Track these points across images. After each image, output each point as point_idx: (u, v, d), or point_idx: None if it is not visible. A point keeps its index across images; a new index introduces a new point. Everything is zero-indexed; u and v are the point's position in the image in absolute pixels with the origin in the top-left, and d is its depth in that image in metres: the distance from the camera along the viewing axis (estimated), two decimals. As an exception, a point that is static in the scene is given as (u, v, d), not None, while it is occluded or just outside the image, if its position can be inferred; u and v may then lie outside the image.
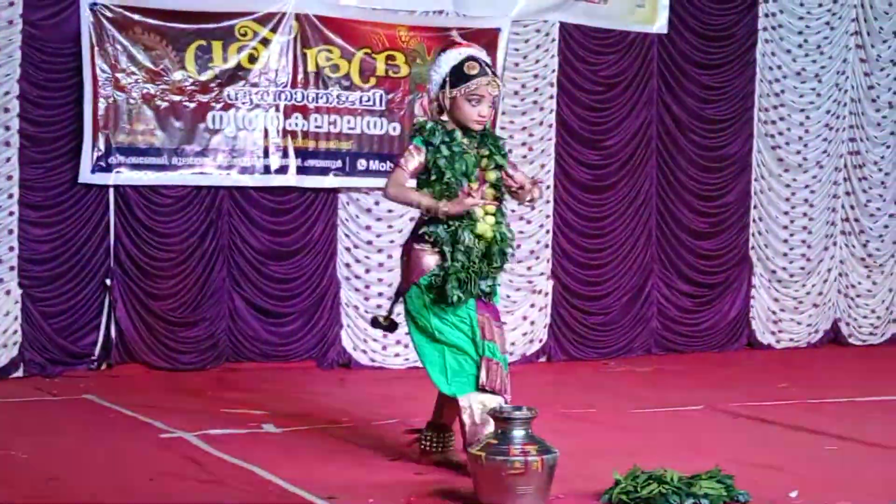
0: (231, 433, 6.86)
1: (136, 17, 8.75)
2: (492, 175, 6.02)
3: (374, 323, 6.45)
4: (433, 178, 5.94)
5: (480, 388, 5.86)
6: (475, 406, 5.84)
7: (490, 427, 5.54)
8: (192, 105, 8.95)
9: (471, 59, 5.97)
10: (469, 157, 5.95)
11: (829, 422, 7.49)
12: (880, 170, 11.35)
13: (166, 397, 8.06)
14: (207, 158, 9.03)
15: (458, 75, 5.91)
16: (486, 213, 5.98)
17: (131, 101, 8.81)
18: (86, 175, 8.74)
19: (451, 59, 5.98)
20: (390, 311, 6.32)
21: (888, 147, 11.36)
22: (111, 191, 8.90)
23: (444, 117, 5.98)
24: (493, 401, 5.77)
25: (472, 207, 5.87)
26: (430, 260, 5.94)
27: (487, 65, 6.01)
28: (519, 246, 9.89)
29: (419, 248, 5.99)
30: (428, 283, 5.92)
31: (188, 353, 9.12)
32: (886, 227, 11.43)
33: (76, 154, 8.75)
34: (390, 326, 6.36)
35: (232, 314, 9.26)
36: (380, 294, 9.57)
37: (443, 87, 5.95)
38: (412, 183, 6.02)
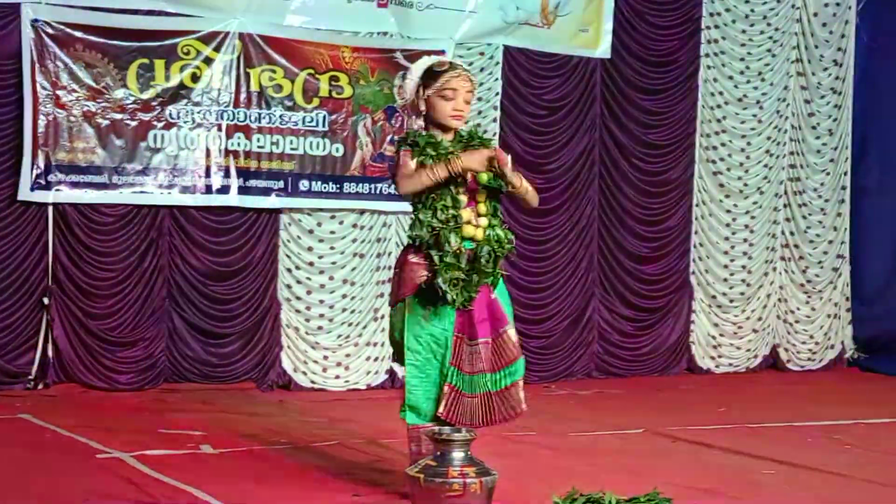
0: (168, 454, 6.79)
1: (78, 34, 8.69)
2: (483, 176, 5.75)
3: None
4: None
5: (437, 418, 5.71)
6: (423, 435, 5.67)
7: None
8: (134, 123, 8.89)
9: (441, 60, 5.94)
10: (455, 157, 5.71)
11: (767, 446, 7.53)
12: (820, 196, 11.45)
13: (103, 418, 7.98)
14: (148, 177, 8.97)
15: (429, 75, 5.81)
16: (479, 215, 5.79)
17: (72, 118, 8.74)
18: (25, 192, 8.66)
19: (421, 64, 5.90)
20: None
21: (828, 174, 11.47)
22: (50, 209, 8.81)
23: (421, 122, 5.87)
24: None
25: (489, 156, 5.63)
26: (423, 275, 5.72)
27: (459, 64, 5.92)
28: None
29: (414, 262, 5.77)
30: (418, 296, 5.73)
31: (126, 374, 9.04)
32: (825, 253, 11.53)
33: (15, 171, 8.67)
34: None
35: (171, 334, 9.19)
36: (321, 315, 9.54)
37: (418, 89, 5.83)
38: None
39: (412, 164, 5.71)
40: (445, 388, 5.71)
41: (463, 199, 5.75)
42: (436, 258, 5.67)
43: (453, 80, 5.78)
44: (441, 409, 5.69)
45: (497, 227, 5.81)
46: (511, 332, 5.88)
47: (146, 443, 7.00)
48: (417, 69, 5.88)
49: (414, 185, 5.70)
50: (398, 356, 5.92)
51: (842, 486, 6.51)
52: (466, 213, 5.74)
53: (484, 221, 5.78)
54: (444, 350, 5.74)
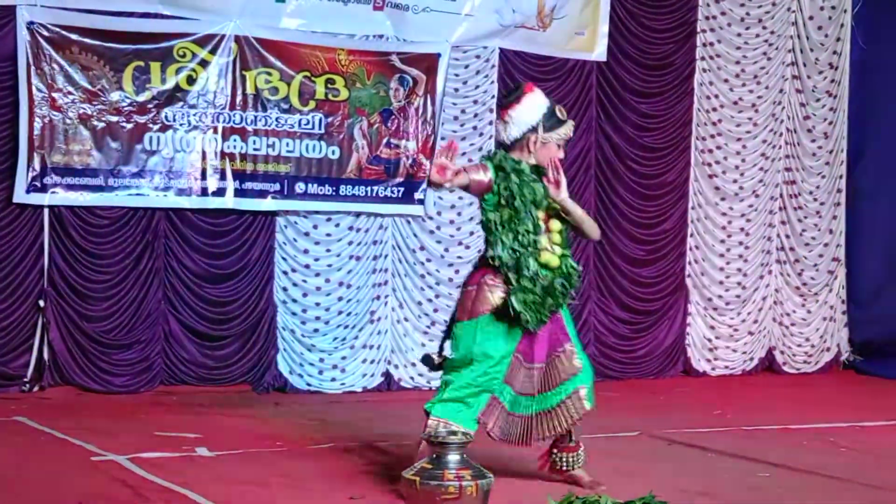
0: (164, 456, 6.78)
1: (74, 36, 8.69)
2: (556, 205, 6.12)
3: (428, 361, 6.43)
4: (502, 203, 6.02)
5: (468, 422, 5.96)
6: (440, 430, 5.83)
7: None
8: (130, 126, 8.89)
9: (557, 103, 6.22)
10: (538, 185, 6.05)
11: (763, 449, 7.53)
12: (815, 199, 11.46)
13: (99, 420, 7.97)
14: (144, 180, 8.97)
15: (553, 120, 6.11)
16: (553, 244, 6.08)
17: (67, 121, 8.73)
18: (20, 195, 8.66)
19: (542, 103, 6.15)
20: (441, 349, 6.37)
21: (823, 177, 11.48)
22: (46, 211, 8.81)
23: (517, 155, 6.10)
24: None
25: (440, 163, 5.80)
26: (499, 296, 6.01)
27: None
28: (458, 271, 9.91)
29: (492, 283, 6.04)
30: (493, 315, 6.00)
31: (122, 376, 9.03)
32: (821, 256, 11.54)
33: (11, 174, 8.66)
34: (440, 366, 6.36)
35: (167, 337, 9.18)
36: (317, 318, 9.54)
37: (534, 130, 6.07)
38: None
39: (470, 170, 6.01)
40: (491, 400, 6.03)
41: (542, 224, 6.05)
42: (513, 280, 5.94)
43: (568, 133, 6.15)
44: (488, 424, 6.04)
45: (569, 256, 6.11)
46: (569, 347, 6.17)
47: (142, 445, 6.99)
48: (538, 107, 6.11)
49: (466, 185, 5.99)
50: (448, 366, 6.21)
51: (838, 490, 6.51)
52: (543, 240, 6.03)
53: (558, 250, 6.07)
54: (502, 367, 6.03)
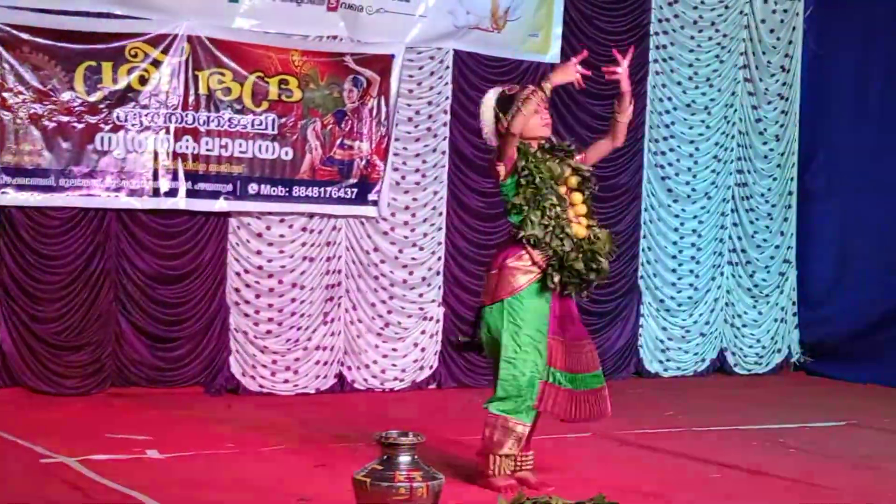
0: (114, 458, 6.75)
1: (25, 35, 8.61)
2: (573, 180, 6.36)
3: (459, 345, 6.77)
4: (523, 182, 6.21)
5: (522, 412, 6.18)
6: (499, 424, 6.16)
7: (509, 444, 6.10)
8: (81, 126, 8.83)
9: (510, 85, 6.44)
10: (552, 162, 6.27)
11: (713, 449, 7.58)
12: (767, 201, 11.54)
13: (49, 422, 7.92)
14: (95, 180, 8.90)
15: (504, 102, 6.26)
16: (579, 215, 6.28)
17: (18, 120, 8.66)
18: (-30, 196, 8.61)
19: (489, 98, 6.36)
20: (474, 334, 6.50)
21: (774, 179, 11.56)
22: (-4, 212, 8.76)
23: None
24: (518, 426, 6.17)
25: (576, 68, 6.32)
26: (522, 279, 6.19)
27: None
28: (412, 273, 9.92)
29: (513, 266, 6.21)
30: (517, 297, 6.18)
31: (73, 378, 8.96)
32: (772, 257, 11.62)
33: (-40, 174, 8.60)
34: (473, 346, 6.60)
35: (118, 338, 9.12)
36: (269, 319, 9.52)
37: (497, 120, 6.27)
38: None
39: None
40: (545, 388, 6.19)
41: (566, 198, 6.27)
42: (550, 252, 6.12)
43: (535, 93, 6.21)
44: (544, 405, 6.21)
45: (595, 226, 6.31)
46: (590, 344, 6.46)
47: (92, 448, 6.95)
48: (488, 103, 6.34)
49: (523, 121, 6.13)
50: (484, 350, 6.40)
51: (787, 490, 6.56)
52: (570, 213, 6.25)
53: (584, 220, 6.28)
54: (540, 352, 6.18)
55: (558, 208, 6.19)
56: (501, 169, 6.26)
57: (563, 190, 6.29)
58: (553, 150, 6.40)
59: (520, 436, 6.21)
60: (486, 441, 6.24)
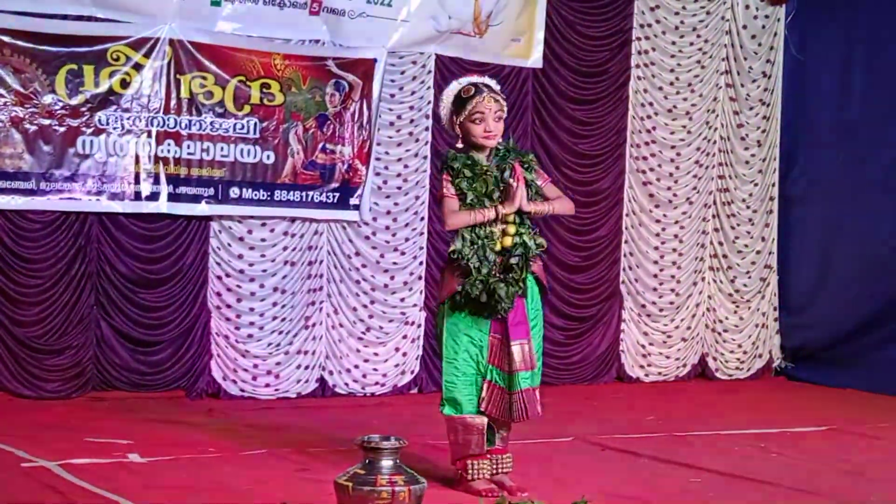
0: (95, 462, 6.73)
1: (6, 38, 8.59)
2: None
3: None
4: (458, 195, 6.26)
5: (480, 412, 6.27)
6: (457, 425, 6.27)
7: (475, 440, 6.18)
8: (62, 129, 8.81)
9: (467, 85, 6.36)
10: (489, 177, 6.26)
11: (694, 454, 7.59)
12: (748, 207, 11.56)
13: (29, 426, 7.88)
14: (77, 184, 8.88)
15: (458, 103, 6.29)
16: (508, 223, 6.28)
17: (-1, 124, 8.66)
18: (-50, 199, 8.58)
19: (450, 92, 6.40)
20: None
21: (756, 185, 11.59)
22: (-24, 215, 8.73)
23: (460, 145, 6.34)
24: (474, 420, 6.25)
25: (522, 192, 6.22)
26: (456, 283, 6.23)
27: (485, 85, 6.37)
28: (393, 277, 9.92)
29: (449, 272, 6.30)
30: (454, 301, 6.25)
31: (53, 381, 8.94)
32: (753, 263, 11.65)
33: (-59, 177, 8.57)
34: None
35: (99, 342, 9.10)
36: (251, 323, 9.50)
37: (451, 117, 6.33)
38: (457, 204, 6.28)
39: (454, 193, 6.23)
40: (485, 385, 6.25)
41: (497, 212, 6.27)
42: (474, 270, 6.15)
43: (480, 104, 6.26)
44: (483, 405, 6.26)
45: (525, 234, 6.27)
46: (529, 343, 6.34)
47: (73, 452, 6.93)
48: (447, 98, 6.39)
49: (457, 225, 6.22)
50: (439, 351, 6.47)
51: (768, 494, 6.58)
52: (498, 229, 6.26)
53: (512, 229, 6.25)
54: (480, 350, 6.25)
55: (487, 227, 6.22)
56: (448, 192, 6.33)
57: (495, 203, 6.26)
58: (506, 154, 6.40)
59: (480, 429, 6.25)
60: (453, 446, 6.32)
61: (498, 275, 6.18)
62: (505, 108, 6.38)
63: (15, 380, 8.83)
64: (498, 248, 6.22)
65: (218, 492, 6.15)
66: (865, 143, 11.20)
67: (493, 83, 6.47)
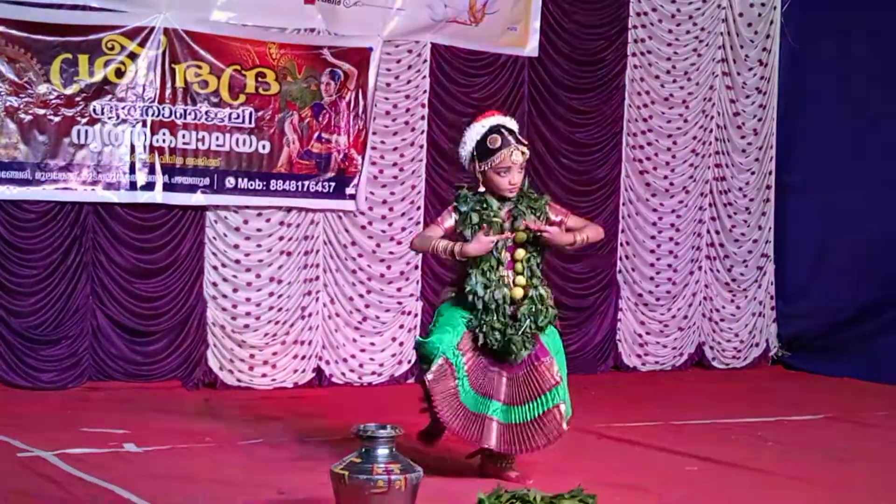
0: (91, 452, 6.72)
1: (0, 28, 8.57)
2: (521, 236, 6.25)
3: None
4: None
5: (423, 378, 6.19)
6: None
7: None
8: (57, 119, 8.79)
9: (492, 131, 6.23)
10: (496, 224, 6.20)
11: (691, 443, 7.58)
12: (745, 195, 11.55)
13: (25, 416, 7.88)
14: (72, 174, 8.87)
15: (482, 150, 6.19)
16: (517, 274, 6.27)
17: (-7, 113, 8.64)
18: (-55, 189, 8.56)
19: (474, 134, 6.28)
20: None
21: (752, 173, 11.58)
22: (-29, 205, 8.71)
23: (482, 188, 6.26)
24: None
25: (491, 245, 6.15)
26: (450, 294, 6.35)
27: (510, 131, 6.26)
28: (389, 267, 9.90)
29: (445, 292, 6.45)
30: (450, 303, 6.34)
31: (49, 372, 8.93)
32: (750, 252, 11.64)
33: (-65, 167, 8.56)
34: None
35: (95, 332, 9.09)
36: (247, 313, 9.49)
37: (472, 161, 6.23)
38: (438, 233, 6.30)
39: (445, 225, 6.26)
40: (478, 417, 6.18)
41: (507, 257, 6.25)
42: (483, 313, 6.18)
43: (507, 158, 6.20)
44: (430, 375, 6.13)
45: (539, 286, 6.30)
46: (546, 360, 6.34)
47: (69, 441, 6.93)
48: (470, 142, 6.27)
49: (419, 247, 6.37)
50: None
51: (765, 483, 6.57)
52: (507, 274, 6.24)
53: (521, 280, 6.24)
54: (457, 331, 6.21)
55: (496, 271, 6.20)
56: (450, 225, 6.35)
57: (503, 252, 6.25)
58: (519, 200, 6.33)
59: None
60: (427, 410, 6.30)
61: (506, 323, 6.19)
62: (528, 156, 6.33)
63: (11, 370, 8.82)
64: (509, 294, 6.23)
65: (214, 481, 6.14)
66: (862, 131, 11.19)
67: (515, 126, 6.40)
